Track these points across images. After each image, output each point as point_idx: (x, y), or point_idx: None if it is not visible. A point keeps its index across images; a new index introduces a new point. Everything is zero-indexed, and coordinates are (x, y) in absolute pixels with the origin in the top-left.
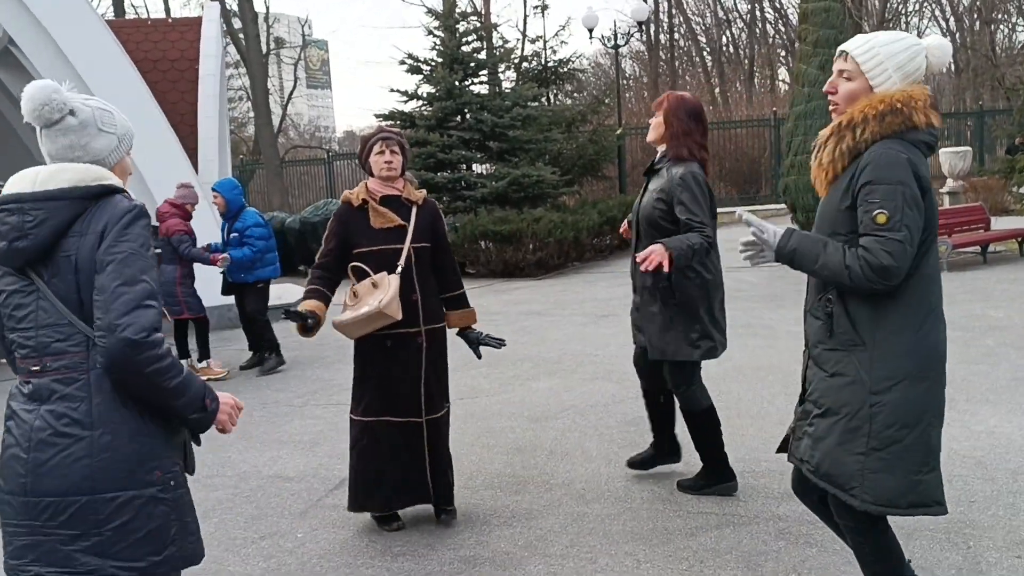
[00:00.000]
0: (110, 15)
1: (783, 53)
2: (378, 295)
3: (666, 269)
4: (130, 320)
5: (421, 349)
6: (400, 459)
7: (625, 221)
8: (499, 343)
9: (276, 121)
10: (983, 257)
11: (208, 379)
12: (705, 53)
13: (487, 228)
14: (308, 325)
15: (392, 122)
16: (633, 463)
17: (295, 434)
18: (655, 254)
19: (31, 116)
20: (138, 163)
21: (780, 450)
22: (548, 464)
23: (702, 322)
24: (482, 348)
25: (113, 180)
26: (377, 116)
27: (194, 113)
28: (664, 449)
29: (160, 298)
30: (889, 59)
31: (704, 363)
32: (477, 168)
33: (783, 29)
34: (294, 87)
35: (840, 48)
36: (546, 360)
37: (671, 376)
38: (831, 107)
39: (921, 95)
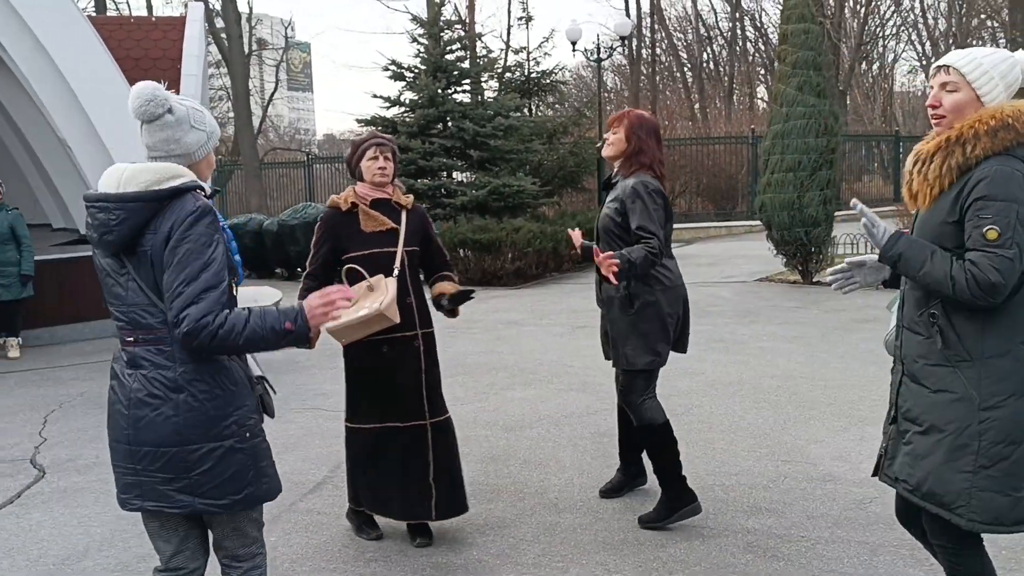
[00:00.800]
0: (91, 11)
1: (762, 71)
2: (376, 298)
3: (613, 282)
4: (186, 313)
5: (419, 353)
6: (405, 465)
7: (575, 231)
8: (469, 294)
9: (256, 122)
10: None
11: None
12: (686, 69)
13: (467, 236)
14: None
15: (374, 128)
16: (605, 492)
17: (268, 438)
18: (611, 262)
19: (136, 112)
20: (117, 161)
21: (875, 474)
22: (522, 473)
23: (654, 333)
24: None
25: (186, 178)
26: (359, 121)
27: None
28: (631, 472)
29: (225, 287)
30: (993, 68)
31: (675, 378)
32: (458, 176)
33: (763, 48)
34: (275, 89)
35: (937, 64)
36: (522, 370)
37: (622, 386)
38: (934, 121)
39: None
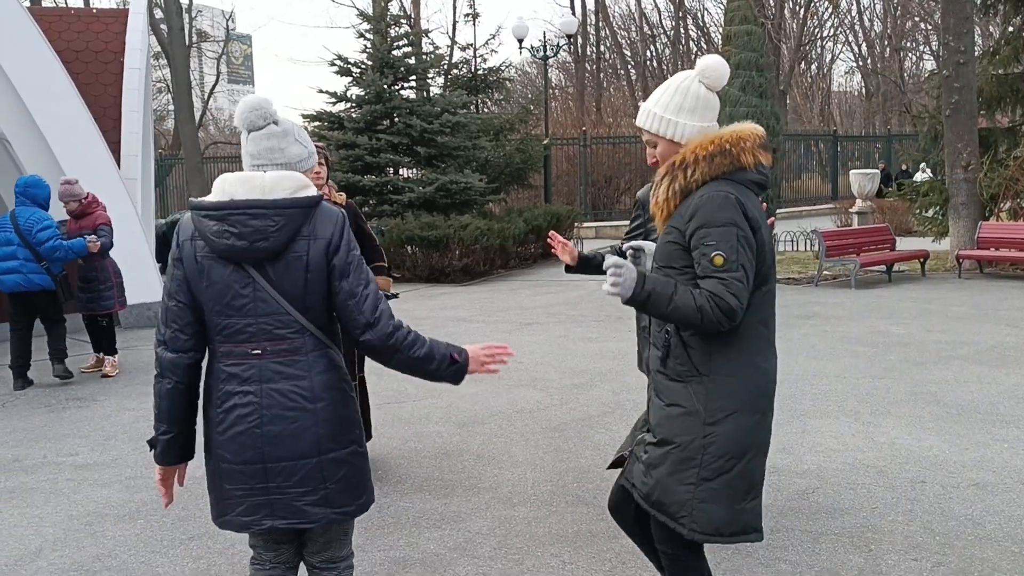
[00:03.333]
0: (27, 2)
1: None
2: None
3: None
4: (380, 312)
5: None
6: None
7: (553, 233)
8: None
9: (197, 116)
10: (888, 276)
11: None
12: (630, 67)
13: (414, 233)
14: None
15: (320, 123)
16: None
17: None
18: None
19: (241, 120)
20: (59, 157)
21: (612, 466)
22: (475, 468)
23: None
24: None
25: (313, 187)
26: (305, 116)
27: (118, 107)
28: None
29: None
30: (665, 111)
31: (622, 374)
32: (405, 172)
33: (705, 47)
34: (216, 81)
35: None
36: None
37: None
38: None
39: (750, 136)
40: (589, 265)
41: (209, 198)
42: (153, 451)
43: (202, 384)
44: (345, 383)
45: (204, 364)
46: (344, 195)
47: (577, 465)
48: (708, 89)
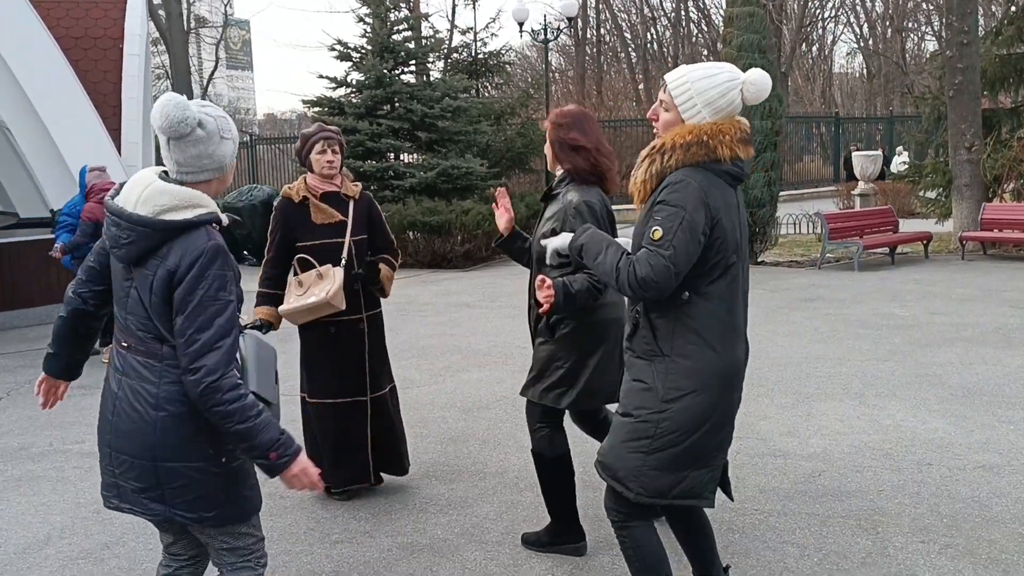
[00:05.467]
0: None
1: (705, 53)
2: (324, 286)
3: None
4: (202, 364)
5: (364, 334)
6: (345, 436)
7: (503, 196)
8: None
9: None
10: (892, 258)
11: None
12: (631, 50)
13: (415, 219)
14: (264, 332)
15: (320, 108)
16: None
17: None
18: (552, 293)
19: (164, 130)
20: (60, 145)
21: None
22: (481, 453)
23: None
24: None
25: (204, 209)
26: (305, 102)
27: (118, 94)
28: None
29: (236, 332)
30: (699, 95)
31: None
32: (406, 158)
33: (707, 29)
34: (215, 67)
35: (663, 78)
36: (476, 352)
37: (527, 411)
38: (655, 131)
39: (731, 129)
40: (514, 243)
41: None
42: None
43: None
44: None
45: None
46: (359, 185)
47: (583, 449)
48: (743, 99)
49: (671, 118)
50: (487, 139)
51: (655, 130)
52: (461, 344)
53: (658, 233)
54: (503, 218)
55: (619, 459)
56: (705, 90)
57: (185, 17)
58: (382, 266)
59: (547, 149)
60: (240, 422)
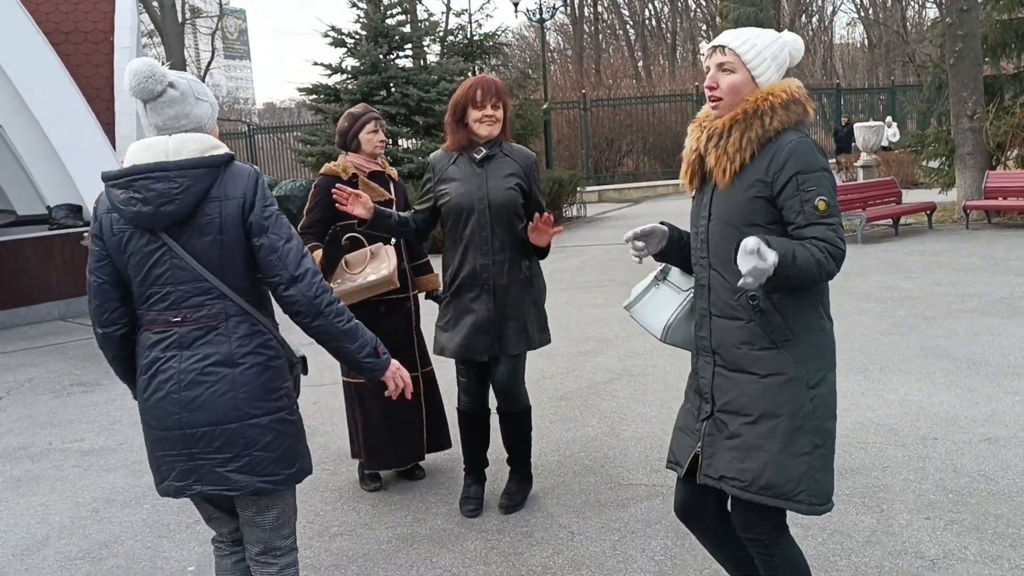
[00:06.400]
0: None
1: (704, 28)
2: (379, 264)
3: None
4: (306, 269)
5: (411, 312)
6: (400, 414)
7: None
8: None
9: None
10: (895, 229)
11: None
12: (628, 27)
13: (413, 204)
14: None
15: (316, 96)
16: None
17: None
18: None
19: (136, 90)
20: (52, 140)
21: (689, 474)
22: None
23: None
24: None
25: (224, 147)
26: (301, 90)
27: (110, 88)
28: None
29: None
30: (766, 49)
31: (632, 339)
32: (403, 143)
33: (704, 3)
34: (211, 58)
35: (713, 44)
36: None
37: (513, 370)
38: (712, 103)
39: (800, 88)
40: (387, 220)
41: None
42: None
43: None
44: (269, 350)
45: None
46: (395, 169)
47: (584, 434)
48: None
49: (739, 79)
50: None
51: (712, 100)
52: None
53: (824, 204)
54: (358, 205)
55: (782, 472)
56: (768, 44)
57: (180, 8)
58: (430, 276)
59: (501, 120)
60: (348, 319)
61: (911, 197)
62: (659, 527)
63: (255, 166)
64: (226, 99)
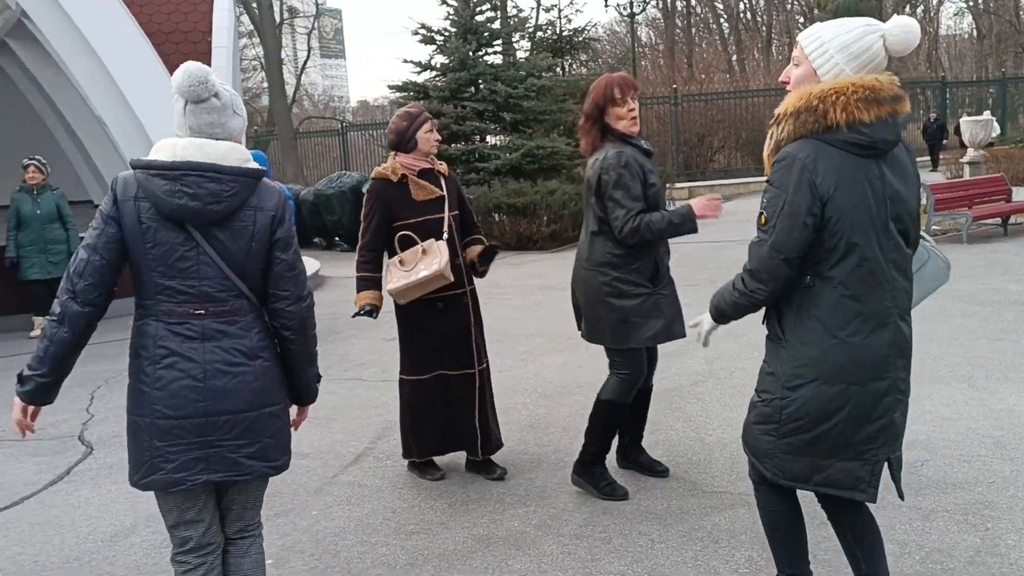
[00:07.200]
0: None
1: (801, 20)
2: (431, 260)
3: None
4: (309, 291)
5: (468, 307)
6: (453, 409)
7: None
8: (494, 249)
9: (290, 92)
10: (1004, 229)
11: None
12: (722, 20)
13: (501, 201)
14: (374, 317)
15: (406, 93)
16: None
17: (310, 409)
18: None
19: (184, 90)
20: (152, 136)
21: None
22: (562, 441)
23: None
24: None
25: (254, 162)
26: (391, 88)
27: None
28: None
29: None
30: (832, 41)
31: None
32: (491, 139)
33: None
34: (308, 57)
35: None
36: (558, 336)
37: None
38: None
39: (848, 88)
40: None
41: (157, 158)
42: (20, 387)
43: (129, 342)
44: (274, 347)
45: (132, 322)
46: (445, 165)
47: (667, 438)
48: (886, 48)
49: (802, 73)
50: (573, 118)
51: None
52: (544, 328)
53: (763, 218)
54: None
55: (753, 439)
56: (837, 36)
57: (277, 8)
58: (480, 249)
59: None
60: (316, 341)
61: (1022, 195)
62: (744, 538)
63: (446, 178)
64: (321, 97)
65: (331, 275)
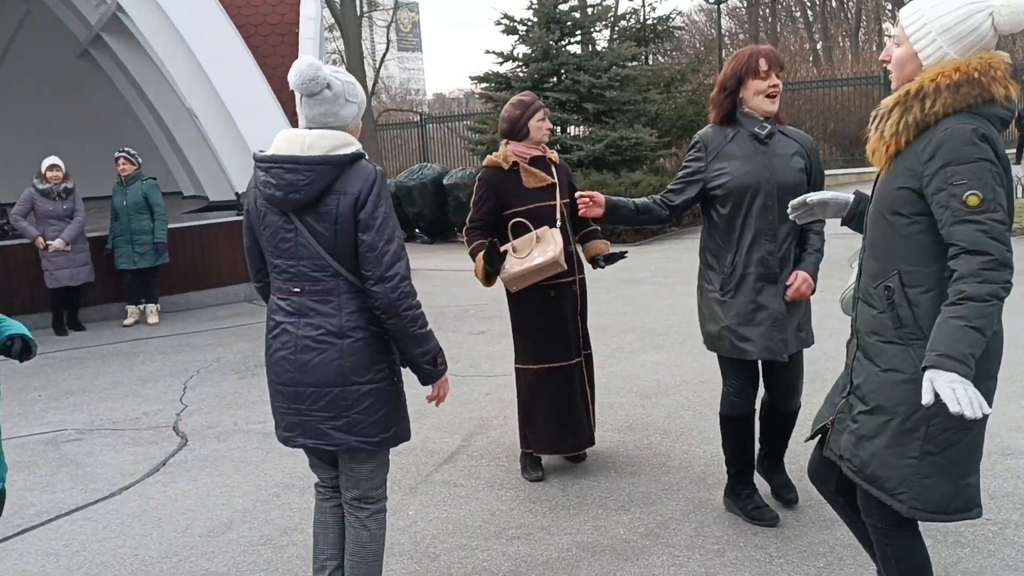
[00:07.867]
0: None
1: (889, 6)
2: (545, 248)
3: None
4: (395, 272)
5: (576, 296)
6: (570, 399)
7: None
8: (623, 255)
9: (369, 84)
10: None
11: None
12: (807, 9)
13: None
14: (497, 268)
15: (488, 84)
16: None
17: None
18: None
19: (299, 86)
20: (241, 128)
21: (812, 438)
22: (663, 444)
23: None
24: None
25: (357, 146)
26: (472, 78)
27: None
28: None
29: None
30: (934, 21)
31: (822, 339)
32: (573, 131)
33: None
34: (386, 50)
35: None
36: (651, 332)
37: (798, 370)
38: (891, 77)
39: (1000, 64)
40: (618, 213)
41: (267, 151)
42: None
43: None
44: (375, 326)
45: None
46: (556, 153)
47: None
48: (995, 27)
49: (903, 53)
50: (656, 108)
51: (889, 76)
52: (635, 323)
53: (975, 198)
54: (596, 208)
55: (884, 467)
56: (941, 15)
57: (358, 2)
58: (596, 243)
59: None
60: (421, 326)
61: None
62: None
63: (379, 167)
64: (398, 90)
65: (412, 268)
